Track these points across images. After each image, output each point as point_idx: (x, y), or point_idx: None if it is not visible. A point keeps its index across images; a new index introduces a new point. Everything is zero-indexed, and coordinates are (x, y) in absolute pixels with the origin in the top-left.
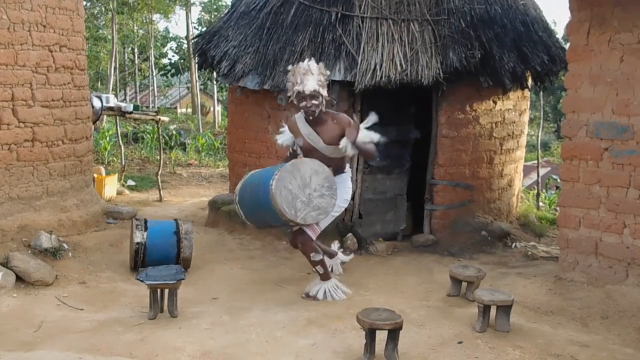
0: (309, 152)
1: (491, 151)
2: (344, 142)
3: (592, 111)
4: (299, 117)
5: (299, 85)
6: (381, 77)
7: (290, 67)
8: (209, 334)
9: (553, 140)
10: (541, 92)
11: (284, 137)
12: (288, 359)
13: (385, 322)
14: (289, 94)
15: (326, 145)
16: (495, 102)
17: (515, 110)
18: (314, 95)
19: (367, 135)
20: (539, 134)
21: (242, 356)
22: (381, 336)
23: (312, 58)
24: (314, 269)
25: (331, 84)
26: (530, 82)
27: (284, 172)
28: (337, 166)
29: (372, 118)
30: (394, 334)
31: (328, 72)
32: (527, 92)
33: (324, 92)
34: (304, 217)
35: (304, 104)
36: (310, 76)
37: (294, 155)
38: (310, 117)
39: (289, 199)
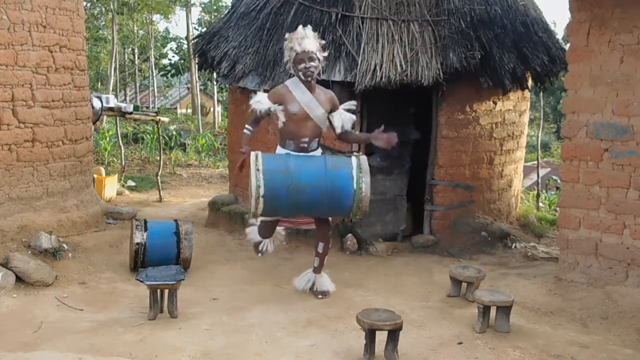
0: (301, 120)
1: (491, 152)
2: (336, 120)
3: (592, 112)
4: (293, 84)
5: (296, 46)
6: (381, 78)
7: (286, 35)
8: (209, 335)
9: (553, 141)
10: (541, 93)
11: (262, 104)
12: (288, 359)
13: (385, 323)
14: (285, 59)
15: (323, 112)
16: (495, 103)
17: (515, 110)
18: (312, 57)
19: (350, 116)
20: (539, 135)
21: (242, 357)
22: (381, 337)
23: (308, 26)
24: (322, 260)
25: (331, 85)
26: (530, 82)
27: (366, 176)
28: (319, 138)
29: (351, 103)
30: (393, 335)
31: (323, 42)
32: (527, 93)
33: (321, 57)
34: (367, 211)
35: (302, 65)
36: (307, 39)
37: (258, 119)
38: (309, 79)
39: (368, 201)
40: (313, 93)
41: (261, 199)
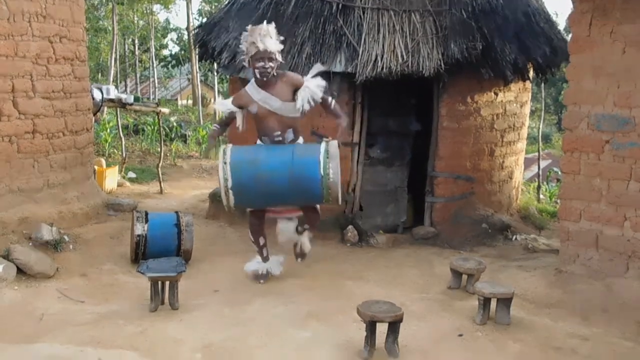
0: (265, 117)
1: (492, 143)
2: (299, 98)
3: (593, 103)
4: (249, 86)
5: (259, 43)
6: (382, 69)
7: (248, 27)
8: (210, 327)
9: (554, 133)
10: (542, 84)
11: (225, 107)
12: (288, 351)
13: (385, 315)
14: (243, 51)
15: (283, 103)
16: (496, 94)
17: (516, 102)
18: (272, 57)
19: (316, 83)
20: (540, 126)
21: (243, 349)
22: (382, 329)
23: (272, 23)
24: (309, 234)
25: (332, 75)
26: (531, 73)
27: (334, 161)
28: (295, 128)
29: (317, 66)
30: (394, 327)
31: (281, 46)
32: (528, 84)
33: (280, 58)
34: (339, 197)
35: (261, 64)
36: (269, 38)
37: (226, 122)
38: (264, 79)
39: (339, 186)
40: (269, 88)
41: (230, 191)
